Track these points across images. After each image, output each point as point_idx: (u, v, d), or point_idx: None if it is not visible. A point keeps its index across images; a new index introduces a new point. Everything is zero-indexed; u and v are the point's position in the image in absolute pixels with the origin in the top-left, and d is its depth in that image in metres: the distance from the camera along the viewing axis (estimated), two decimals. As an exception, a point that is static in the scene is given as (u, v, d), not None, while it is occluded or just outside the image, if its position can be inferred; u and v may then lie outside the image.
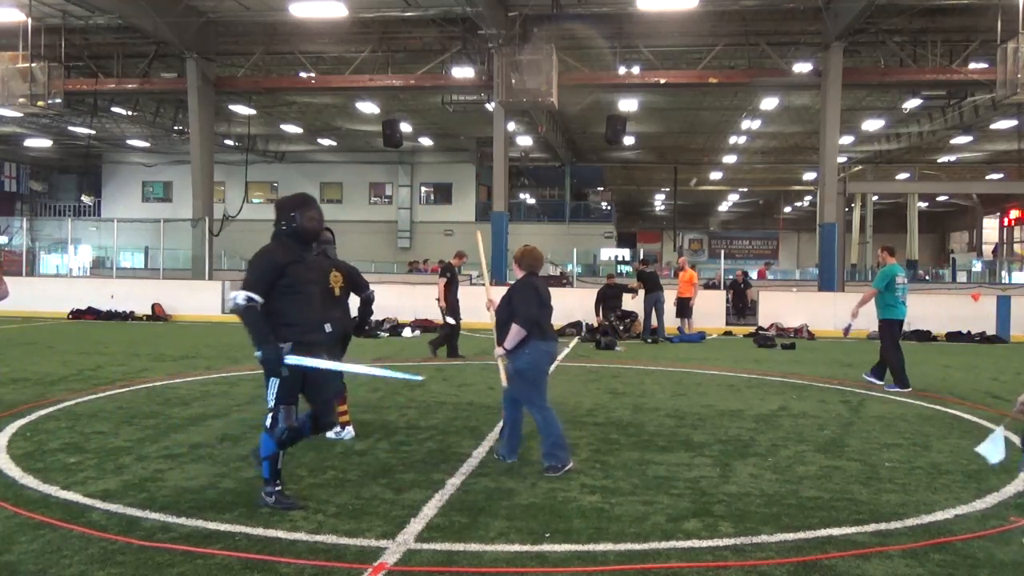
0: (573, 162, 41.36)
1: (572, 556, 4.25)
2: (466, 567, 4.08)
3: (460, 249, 13.81)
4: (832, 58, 19.92)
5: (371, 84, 23.11)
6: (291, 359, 4.77)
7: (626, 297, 17.38)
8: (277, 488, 4.91)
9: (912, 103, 26.42)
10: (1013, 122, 27.92)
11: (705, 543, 4.43)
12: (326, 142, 37.48)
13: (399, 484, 5.50)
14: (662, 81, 22.21)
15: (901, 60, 21.45)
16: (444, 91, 24.93)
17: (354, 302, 7.04)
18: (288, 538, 4.41)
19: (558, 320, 17.47)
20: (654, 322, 16.80)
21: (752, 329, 18.38)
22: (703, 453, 6.54)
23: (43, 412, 7.80)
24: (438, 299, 12.77)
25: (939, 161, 39.78)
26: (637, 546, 4.38)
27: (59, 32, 20.77)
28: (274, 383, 4.83)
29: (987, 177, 40.28)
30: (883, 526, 4.77)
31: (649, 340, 16.50)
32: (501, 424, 6.46)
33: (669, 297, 17.26)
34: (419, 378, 5.40)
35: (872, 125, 30.48)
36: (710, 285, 22.25)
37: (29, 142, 36.63)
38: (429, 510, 4.92)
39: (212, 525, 4.59)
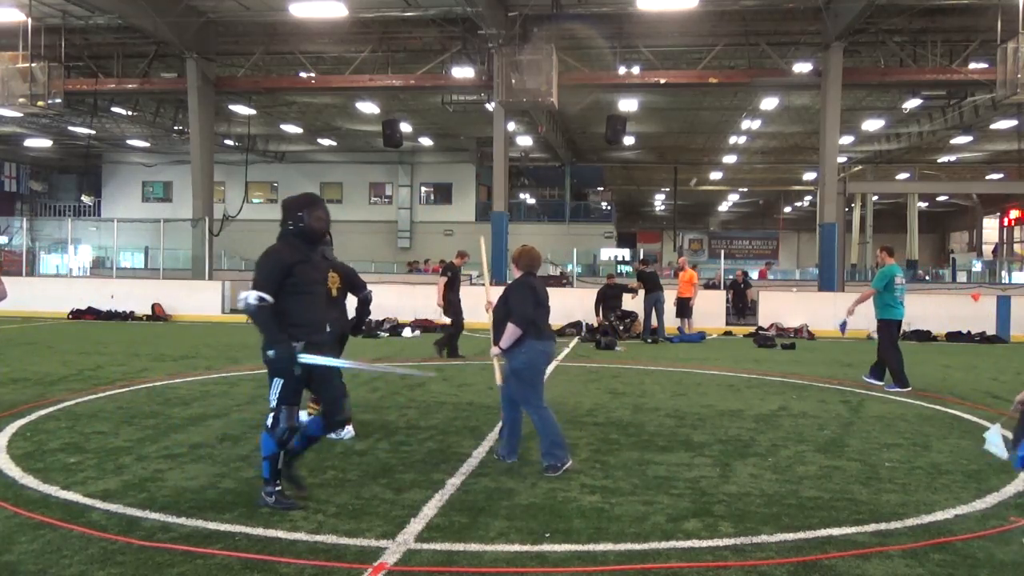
0: (573, 162, 41.36)
1: (572, 556, 4.25)
2: (466, 567, 4.08)
3: (461, 249, 13.81)
4: (832, 58, 19.93)
5: (371, 84, 23.12)
6: (305, 358, 4.79)
7: (626, 297, 17.38)
8: (277, 488, 4.91)
9: (912, 103, 26.42)
10: (1013, 122, 27.92)
11: (705, 543, 4.43)
12: (326, 142, 37.48)
13: (399, 484, 5.50)
14: (662, 81, 22.22)
15: (901, 60, 21.45)
16: (444, 91, 24.92)
17: (351, 302, 7.11)
18: (288, 538, 4.41)
19: (558, 320, 17.57)
20: (654, 322, 16.79)
21: (752, 329, 18.38)
22: (703, 453, 6.54)
23: (43, 412, 7.79)
24: (439, 302, 12.81)
25: (939, 161, 39.78)
26: (637, 546, 4.37)
27: (59, 32, 20.78)
28: (277, 383, 4.84)
29: (987, 177, 40.29)
30: (883, 526, 4.77)
31: (649, 340, 16.50)
32: (501, 424, 6.46)
33: (669, 297, 17.25)
34: (431, 374, 5.42)
35: (872, 125, 30.49)
36: (710, 285, 22.26)
37: (29, 142, 36.63)
38: (429, 510, 4.92)
39: (212, 525, 4.58)
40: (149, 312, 20.15)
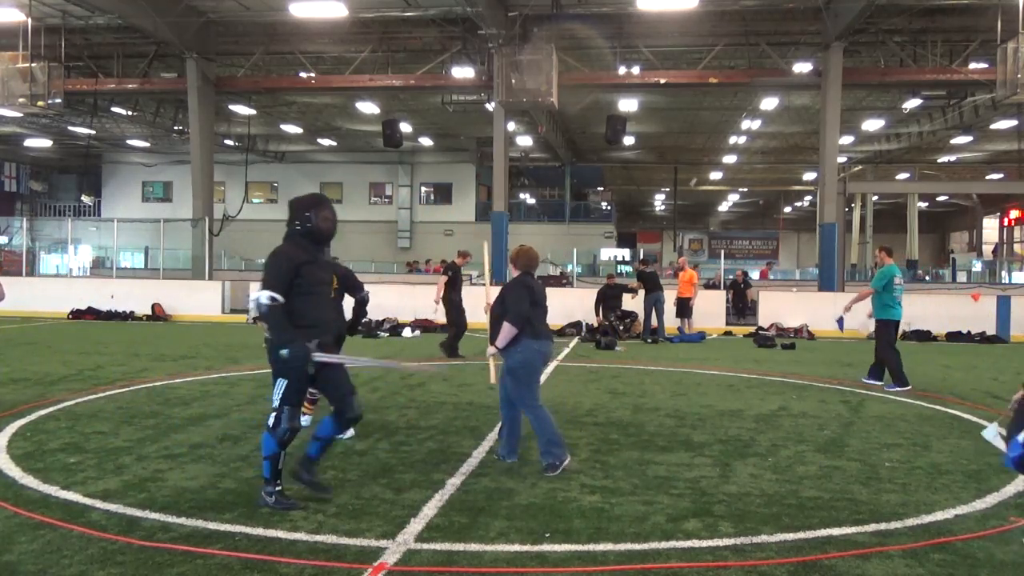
0: (573, 162, 41.36)
1: (572, 556, 4.25)
2: (466, 567, 4.08)
3: (462, 248, 13.80)
4: (832, 58, 19.93)
5: (371, 84, 23.12)
6: (319, 356, 4.81)
7: (626, 297, 17.38)
8: (277, 488, 4.92)
9: (912, 103, 26.42)
10: (1013, 122, 27.92)
11: (705, 543, 4.43)
12: (326, 142, 37.47)
13: (399, 484, 5.50)
14: (662, 81, 22.22)
15: (901, 60, 21.45)
16: (444, 91, 24.92)
17: (348, 303, 7.16)
18: (288, 538, 4.41)
19: (559, 320, 17.58)
20: (654, 322, 16.79)
21: (752, 329, 18.38)
22: (703, 453, 6.54)
23: (43, 412, 7.80)
24: (436, 299, 12.80)
25: (939, 161, 39.78)
26: (637, 546, 4.37)
27: (59, 32, 20.77)
28: (281, 383, 4.85)
29: (987, 177, 40.28)
30: (883, 526, 4.77)
31: (649, 340, 16.50)
32: (501, 424, 6.47)
33: (669, 297, 17.26)
34: (445, 371, 5.42)
35: (872, 125, 30.48)
36: (710, 285, 22.26)
37: (29, 142, 36.63)
38: (429, 510, 4.92)
39: (212, 525, 4.58)
40: (149, 312, 20.15)
